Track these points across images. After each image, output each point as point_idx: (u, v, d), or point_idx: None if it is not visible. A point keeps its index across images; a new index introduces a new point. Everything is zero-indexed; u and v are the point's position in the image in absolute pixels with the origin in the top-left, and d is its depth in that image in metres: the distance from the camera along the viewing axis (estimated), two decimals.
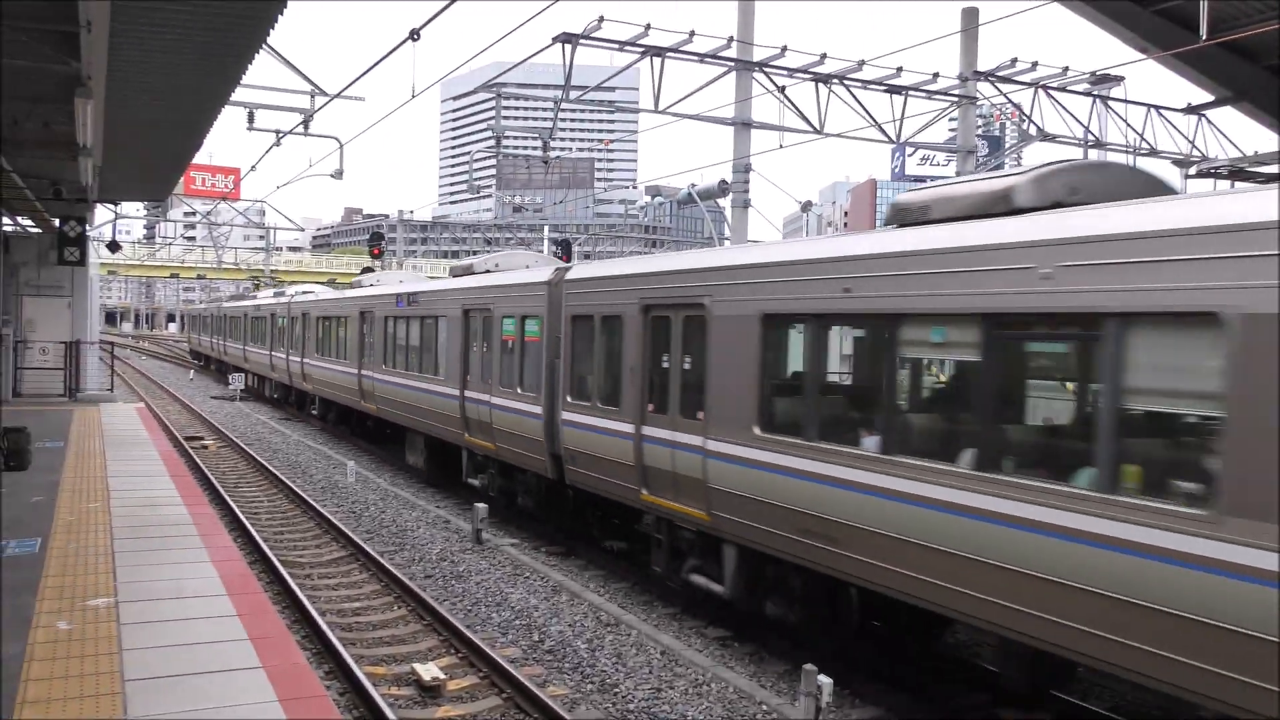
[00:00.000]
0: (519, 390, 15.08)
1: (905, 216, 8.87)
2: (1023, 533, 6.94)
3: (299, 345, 29.67)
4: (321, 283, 53.18)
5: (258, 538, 14.55)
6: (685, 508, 10.88)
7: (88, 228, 26.09)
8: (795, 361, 9.72)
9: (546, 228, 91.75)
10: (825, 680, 8.22)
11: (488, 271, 18.13)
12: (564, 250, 42.51)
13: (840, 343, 10.23)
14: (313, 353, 28.56)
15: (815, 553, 8.91)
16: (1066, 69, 24.36)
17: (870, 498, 8.28)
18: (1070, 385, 8.19)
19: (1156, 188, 7.99)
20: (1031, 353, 8.38)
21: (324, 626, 10.53)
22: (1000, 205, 8.00)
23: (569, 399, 13.52)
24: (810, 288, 9.10)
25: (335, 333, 26.14)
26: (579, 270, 14.01)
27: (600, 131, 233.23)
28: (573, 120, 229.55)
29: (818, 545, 8.86)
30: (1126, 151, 25.41)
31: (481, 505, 15.32)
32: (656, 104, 21.22)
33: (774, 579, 10.15)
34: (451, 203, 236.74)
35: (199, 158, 22.86)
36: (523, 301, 15.17)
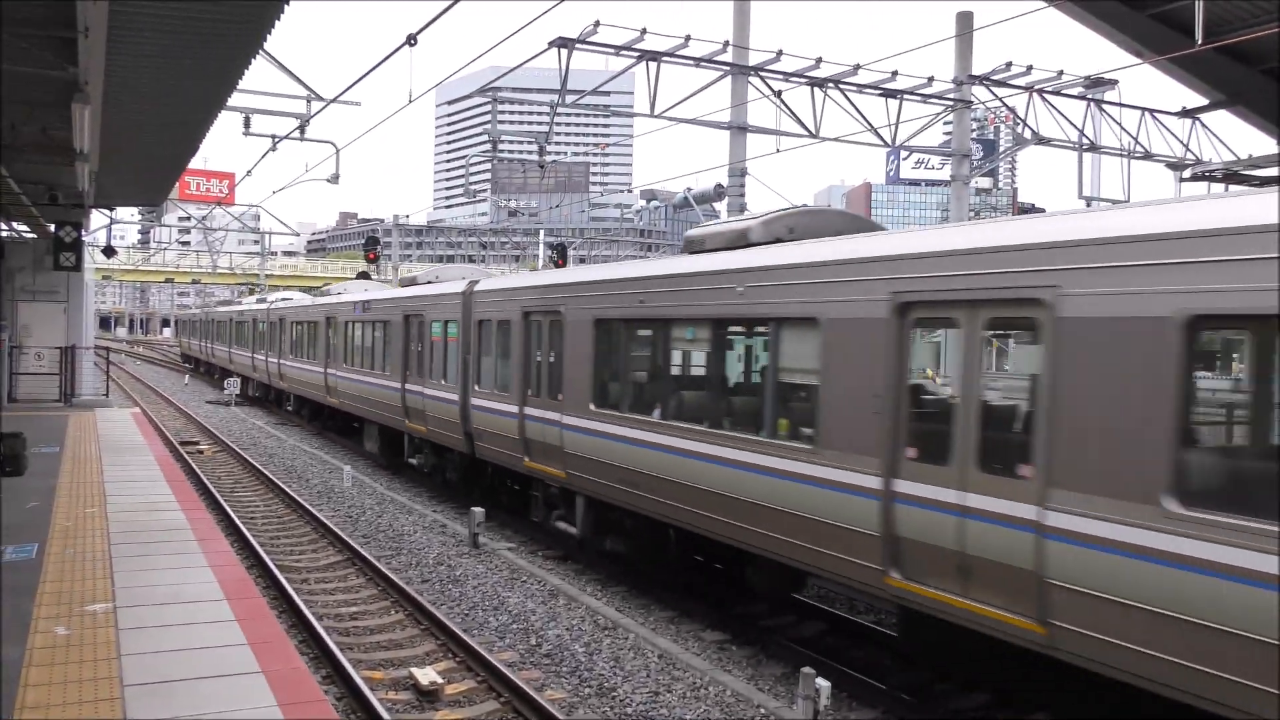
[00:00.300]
0: (443, 381, 18.02)
1: (690, 247, 12.09)
2: (733, 470, 10.06)
3: (277, 347, 32.46)
4: (315, 288, 54.04)
5: (254, 543, 14.54)
6: (551, 469, 13.96)
7: (83, 233, 26.07)
8: (615, 353, 12.91)
9: (542, 232, 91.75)
10: (823, 683, 8.24)
11: (429, 283, 20.93)
12: (560, 254, 42.45)
13: (639, 340, 12.64)
14: (288, 354, 31.51)
15: (634, 499, 11.88)
16: (1061, 73, 24.44)
17: (657, 453, 11.33)
18: (757, 366, 11.02)
19: (855, 225, 10.82)
20: (736, 344, 11.52)
21: (321, 631, 10.53)
22: (741, 241, 10.98)
23: (476, 387, 16.61)
24: (622, 300, 12.31)
25: (306, 336, 29.34)
26: (484, 284, 17.12)
27: (596, 136, 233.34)
28: (569, 124, 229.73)
29: (635, 492, 11.80)
30: (1121, 155, 25.49)
31: (478, 509, 15.33)
32: (652, 108, 21.25)
33: (612, 521, 12.99)
34: (447, 207, 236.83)
35: (194, 162, 22.85)
36: (446, 309, 18.07)
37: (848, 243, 9.20)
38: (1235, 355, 7.82)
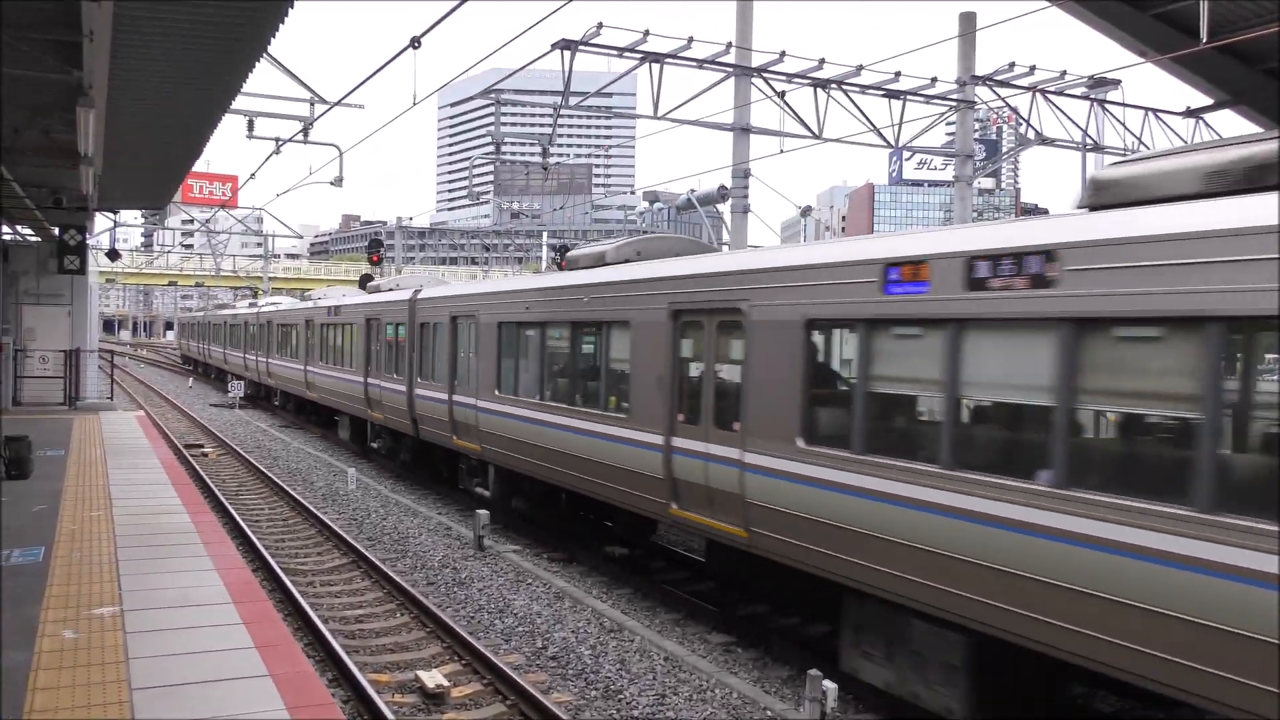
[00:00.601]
0: (395, 375, 20.98)
1: (568, 264, 15.50)
2: (590, 438, 12.87)
3: (265, 348, 35.34)
4: (317, 290, 55.01)
5: (259, 545, 14.55)
6: (470, 445, 16.94)
7: (87, 236, 26.11)
8: (512, 349, 15.54)
9: (545, 234, 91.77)
10: (830, 685, 8.23)
11: (389, 290, 23.69)
12: (563, 256, 42.55)
13: (526, 338, 15.32)
14: (275, 353, 34.74)
15: (528, 465, 14.70)
16: (1064, 73, 24.44)
17: (538, 427, 14.32)
18: (597, 359, 13.49)
19: (691, 248, 13.59)
20: (585, 341, 13.91)
21: (327, 634, 10.54)
22: (599, 261, 14.22)
23: (418, 379, 19.50)
24: (513, 307, 15.36)
25: (290, 337, 32.55)
26: (425, 292, 20.00)
27: (599, 137, 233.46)
28: (572, 126, 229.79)
29: (528, 460, 14.63)
30: (1124, 154, 25.47)
31: (483, 512, 15.34)
32: (655, 110, 21.26)
33: (517, 486, 16.03)
34: (450, 209, 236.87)
35: (197, 165, 22.88)
36: (396, 313, 20.96)
37: (648, 266, 12.34)
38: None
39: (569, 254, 15.74)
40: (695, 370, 11.17)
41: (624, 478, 12.10)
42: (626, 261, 13.59)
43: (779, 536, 9.41)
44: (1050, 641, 6.73)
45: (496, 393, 15.75)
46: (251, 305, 45.29)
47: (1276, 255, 5.60)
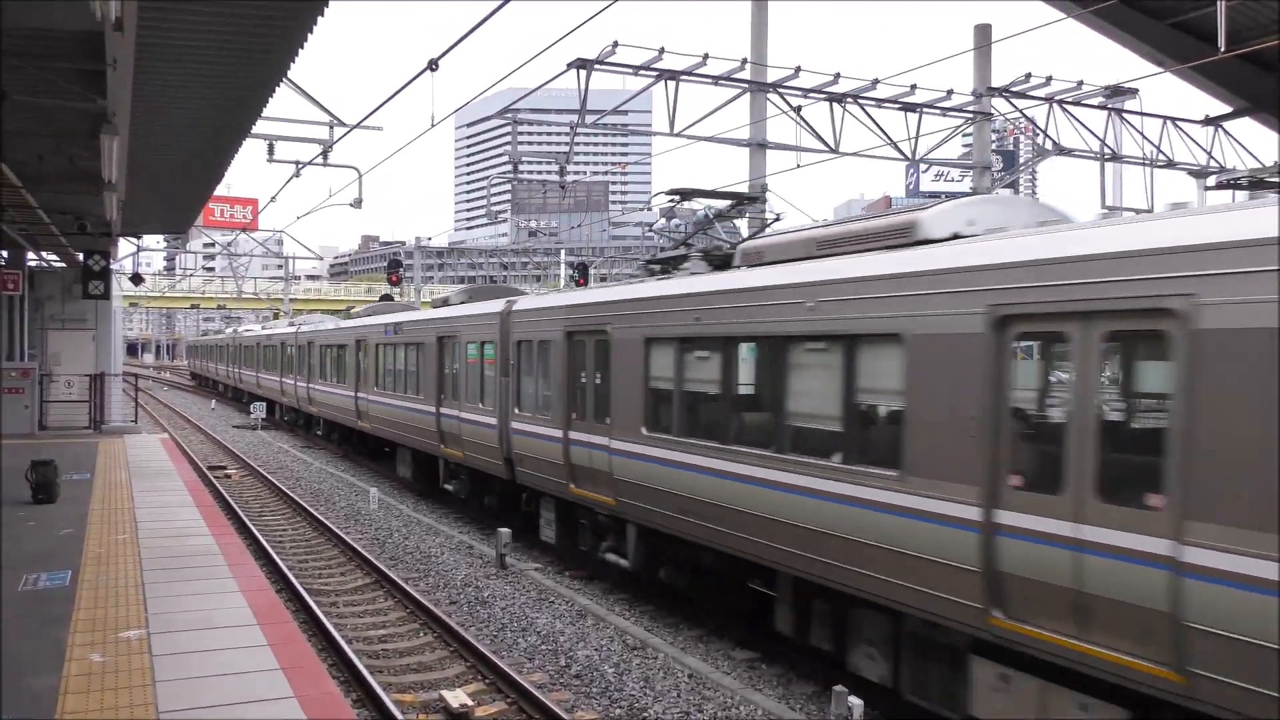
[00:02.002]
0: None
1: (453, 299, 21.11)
2: (463, 423, 18.15)
3: (306, 371, 36.21)
4: (339, 311, 56.31)
5: (283, 567, 14.61)
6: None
7: (111, 261, 26.38)
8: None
9: (563, 251, 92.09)
10: (856, 701, 8.19)
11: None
12: (581, 273, 42.68)
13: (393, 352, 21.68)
14: (318, 378, 35.68)
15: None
16: (1081, 83, 24.36)
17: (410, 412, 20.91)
18: (449, 364, 19.09)
19: (506, 293, 18.93)
20: (448, 350, 19.29)
21: (351, 655, 10.56)
22: (449, 303, 20.75)
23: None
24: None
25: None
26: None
27: (616, 154, 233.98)
28: (588, 144, 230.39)
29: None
30: (1143, 164, 25.35)
31: (504, 530, 15.35)
32: (671, 126, 21.32)
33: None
34: (468, 228, 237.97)
35: (218, 189, 23.10)
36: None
37: (480, 305, 18.39)
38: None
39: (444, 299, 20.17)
40: (583, 376, 13.96)
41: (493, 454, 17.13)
42: (468, 302, 20.21)
43: (634, 503, 12.43)
44: (773, 559, 9.91)
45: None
46: (247, 330, 46.75)
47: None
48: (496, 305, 17.35)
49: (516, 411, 16.14)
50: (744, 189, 23.48)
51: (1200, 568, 6.02)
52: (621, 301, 12.98)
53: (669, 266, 13.65)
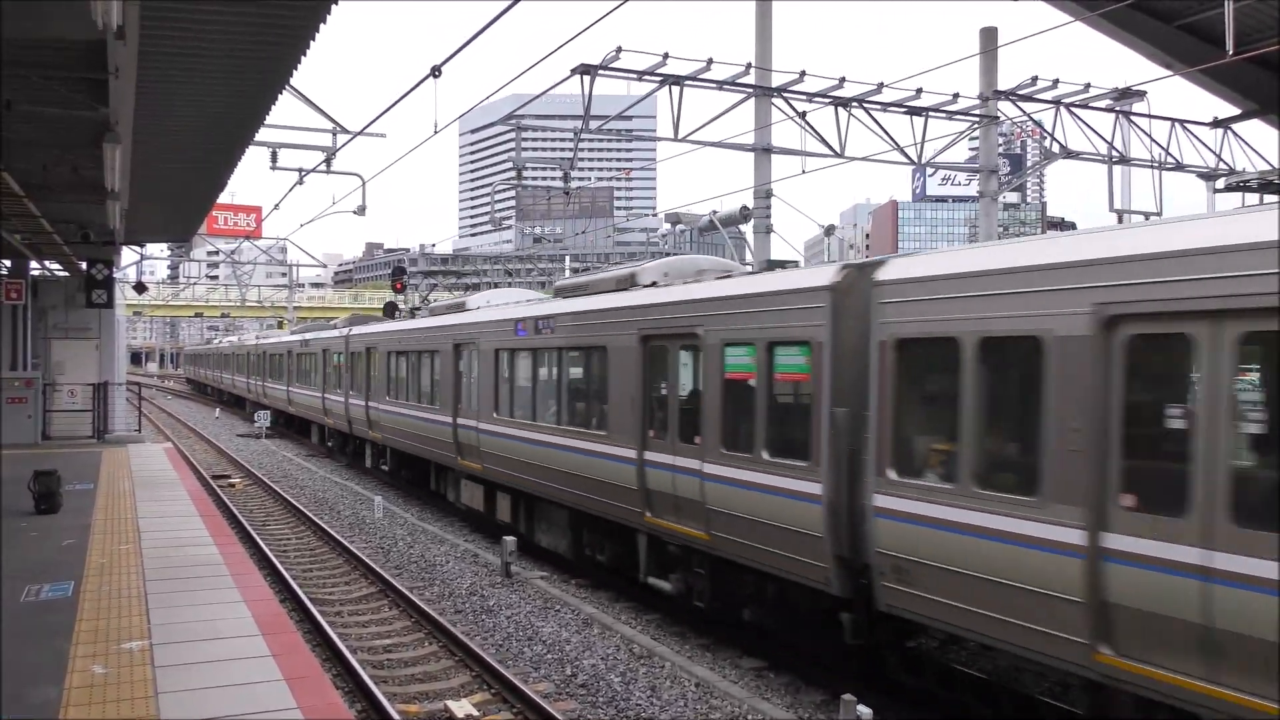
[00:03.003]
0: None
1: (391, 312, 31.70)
2: (403, 416, 23.15)
3: (245, 371, 42.68)
4: (345, 318, 57.28)
5: (287, 576, 14.60)
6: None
7: (114, 269, 26.44)
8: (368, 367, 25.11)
9: (568, 257, 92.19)
10: (865, 710, 8.15)
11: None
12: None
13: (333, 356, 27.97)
14: (253, 376, 43.00)
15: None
16: (1088, 85, 24.30)
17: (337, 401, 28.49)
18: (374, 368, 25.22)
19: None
20: (378, 357, 24.50)
21: (356, 665, 10.54)
22: (388, 317, 31.64)
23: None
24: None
25: (266, 363, 39.88)
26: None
27: (620, 160, 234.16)
28: (592, 150, 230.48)
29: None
30: (1152, 166, 25.28)
31: (510, 538, 15.32)
32: (676, 132, 21.31)
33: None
34: (472, 235, 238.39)
35: (221, 197, 23.15)
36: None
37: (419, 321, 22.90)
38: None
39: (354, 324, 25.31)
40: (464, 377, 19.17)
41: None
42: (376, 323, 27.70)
43: (499, 470, 17.01)
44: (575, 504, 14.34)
45: (387, 396, 24.15)
46: (238, 338, 52.07)
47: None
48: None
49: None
50: (749, 195, 23.46)
51: (485, 430, 13.31)
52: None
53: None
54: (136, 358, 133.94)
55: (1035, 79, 23.85)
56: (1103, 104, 24.76)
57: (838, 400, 9.23)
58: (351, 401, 27.94)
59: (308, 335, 35.37)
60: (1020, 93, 24.03)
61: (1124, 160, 25.19)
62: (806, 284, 9.83)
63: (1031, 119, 24.49)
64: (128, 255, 34.67)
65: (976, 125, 24.17)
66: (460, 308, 21.53)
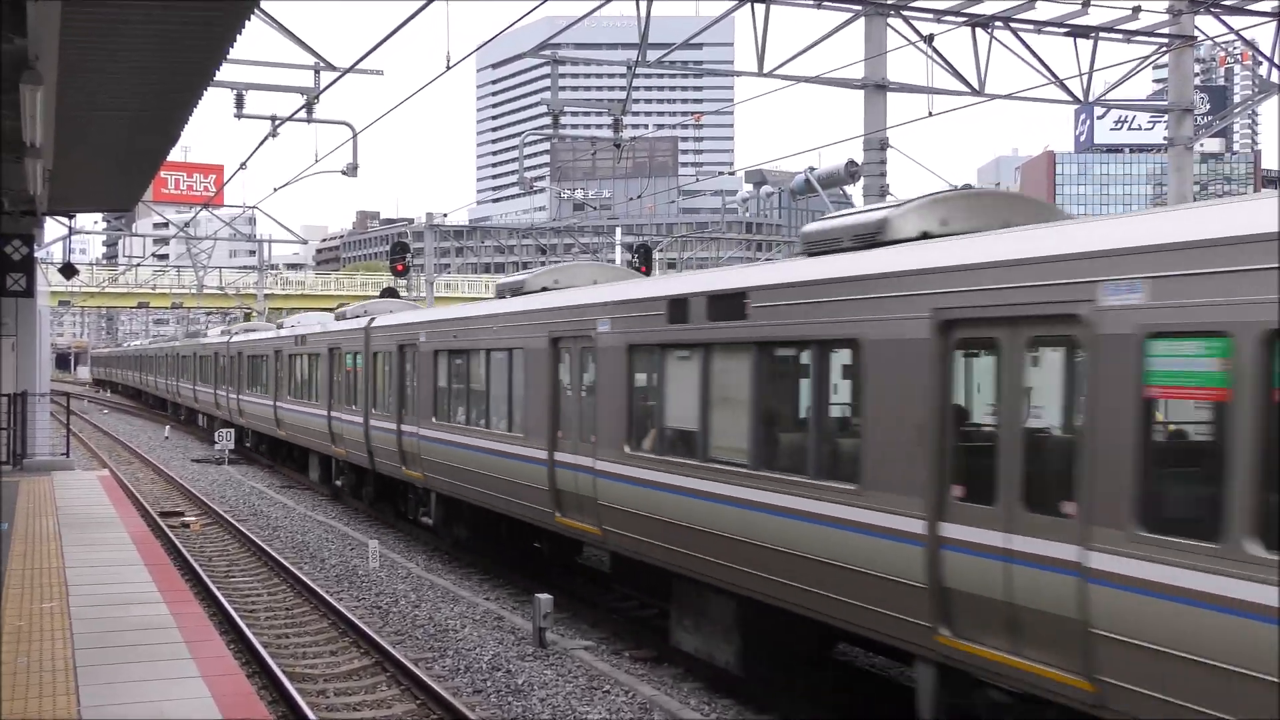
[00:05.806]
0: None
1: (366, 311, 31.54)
2: (342, 424, 28.35)
3: (161, 372, 50.55)
4: (330, 308, 56.62)
5: (256, 644, 14.76)
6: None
7: (36, 248, 26.92)
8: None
9: (619, 229, 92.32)
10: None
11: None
12: (643, 259, 42.40)
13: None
14: (171, 377, 51.76)
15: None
16: None
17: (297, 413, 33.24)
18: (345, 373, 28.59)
19: (405, 305, 33.10)
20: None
21: None
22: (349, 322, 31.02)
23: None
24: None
25: (245, 368, 41.35)
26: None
27: (687, 104, 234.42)
28: (651, 90, 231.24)
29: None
30: None
31: (545, 597, 15.33)
32: (760, 65, 21.27)
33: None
34: (494, 201, 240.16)
35: (173, 154, 23.50)
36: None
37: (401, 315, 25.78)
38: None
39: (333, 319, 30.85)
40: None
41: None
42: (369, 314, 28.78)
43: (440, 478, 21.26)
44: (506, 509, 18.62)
45: (357, 406, 27.85)
46: (153, 340, 57.02)
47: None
48: (361, 322, 28.52)
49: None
50: (858, 145, 23.31)
51: (425, 435, 23.64)
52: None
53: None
54: (64, 360, 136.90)
55: None
56: None
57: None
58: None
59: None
60: (1226, 2, 23.50)
61: None
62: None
63: (1242, 37, 24.03)
64: (53, 229, 35.38)
65: (1165, 49, 23.71)
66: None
